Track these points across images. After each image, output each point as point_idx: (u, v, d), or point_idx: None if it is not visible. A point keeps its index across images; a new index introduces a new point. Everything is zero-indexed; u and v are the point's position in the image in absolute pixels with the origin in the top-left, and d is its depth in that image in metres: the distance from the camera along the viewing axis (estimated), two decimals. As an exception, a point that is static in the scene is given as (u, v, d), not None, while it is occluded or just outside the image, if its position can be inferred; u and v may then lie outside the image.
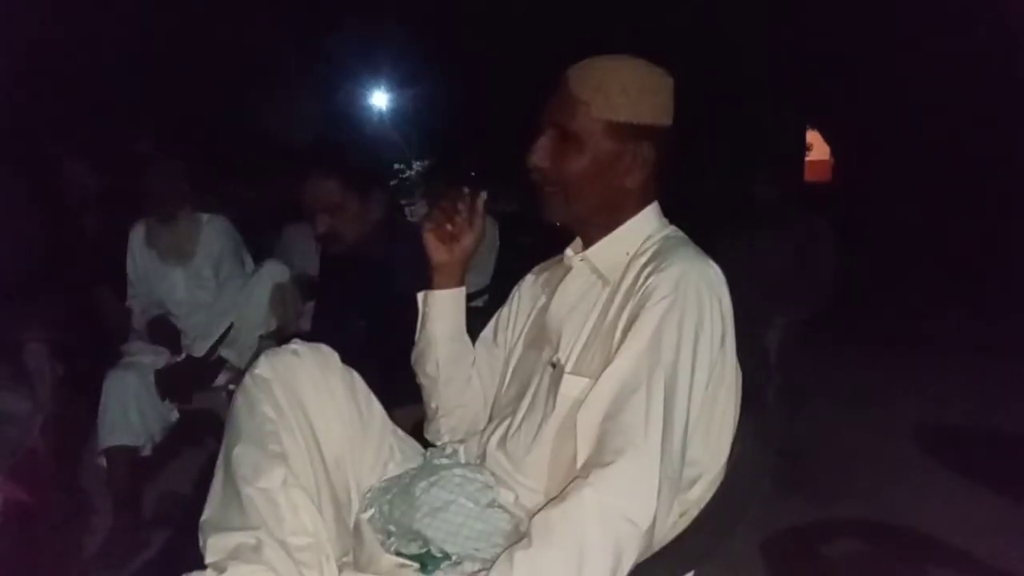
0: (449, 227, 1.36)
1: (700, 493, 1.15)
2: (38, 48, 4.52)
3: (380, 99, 8.54)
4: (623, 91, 1.17)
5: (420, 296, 1.42)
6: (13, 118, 3.70)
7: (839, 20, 6.26)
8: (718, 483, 1.16)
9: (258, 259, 2.96)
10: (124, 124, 4.52)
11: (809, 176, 10.78)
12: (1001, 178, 5.89)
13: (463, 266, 1.41)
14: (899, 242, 6.17)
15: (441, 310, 1.40)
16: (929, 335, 4.91)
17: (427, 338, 1.41)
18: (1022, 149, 5.47)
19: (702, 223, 1.47)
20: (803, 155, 10.60)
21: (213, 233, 2.88)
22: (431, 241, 1.38)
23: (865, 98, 6.93)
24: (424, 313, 1.42)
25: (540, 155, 1.22)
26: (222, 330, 2.78)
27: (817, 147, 11.35)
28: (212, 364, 2.73)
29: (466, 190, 1.39)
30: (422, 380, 1.44)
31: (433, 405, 1.44)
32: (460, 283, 1.41)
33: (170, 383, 2.65)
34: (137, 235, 2.90)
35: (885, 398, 3.82)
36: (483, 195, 1.38)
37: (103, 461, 2.53)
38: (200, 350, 2.78)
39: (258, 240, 3.34)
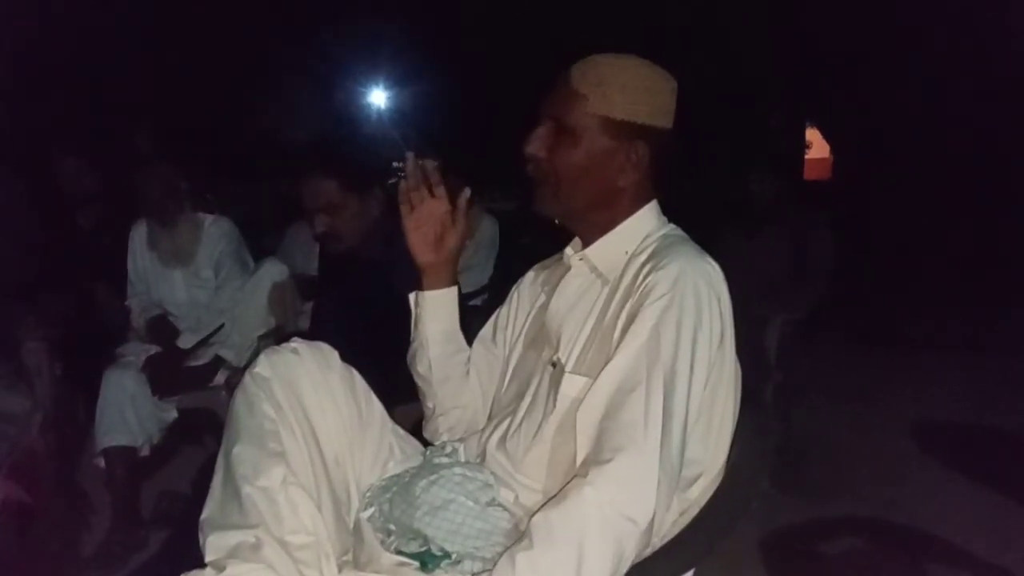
0: (411, 208, 1.36)
1: (700, 492, 1.15)
2: (36, 46, 4.51)
3: (379, 97, 8.53)
4: (622, 89, 1.17)
5: (411, 297, 1.42)
6: (10, 117, 3.70)
7: (839, 17, 6.25)
8: (718, 482, 1.16)
9: (261, 259, 2.96)
10: (123, 123, 4.52)
11: (808, 174, 10.76)
12: (1000, 177, 5.89)
13: (451, 265, 1.41)
14: (898, 240, 6.17)
15: (432, 311, 1.40)
16: (927, 333, 4.92)
17: (420, 339, 1.41)
18: (1021, 148, 5.47)
19: (700, 222, 1.47)
20: (802, 153, 10.58)
21: (215, 234, 2.87)
22: (415, 243, 1.38)
23: (865, 96, 6.92)
24: (416, 314, 1.42)
25: (536, 145, 1.22)
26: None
27: (817, 145, 11.34)
28: (210, 363, 2.73)
29: (426, 162, 1.38)
30: (417, 380, 1.44)
31: (430, 405, 1.44)
32: (451, 283, 1.41)
33: (154, 373, 2.63)
34: (138, 235, 2.90)
35: (883, 396, 3.83)
36: (466, 192, 1.38)
37: (101, 461, 2.53)
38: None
39: (261, 240, 3.34)
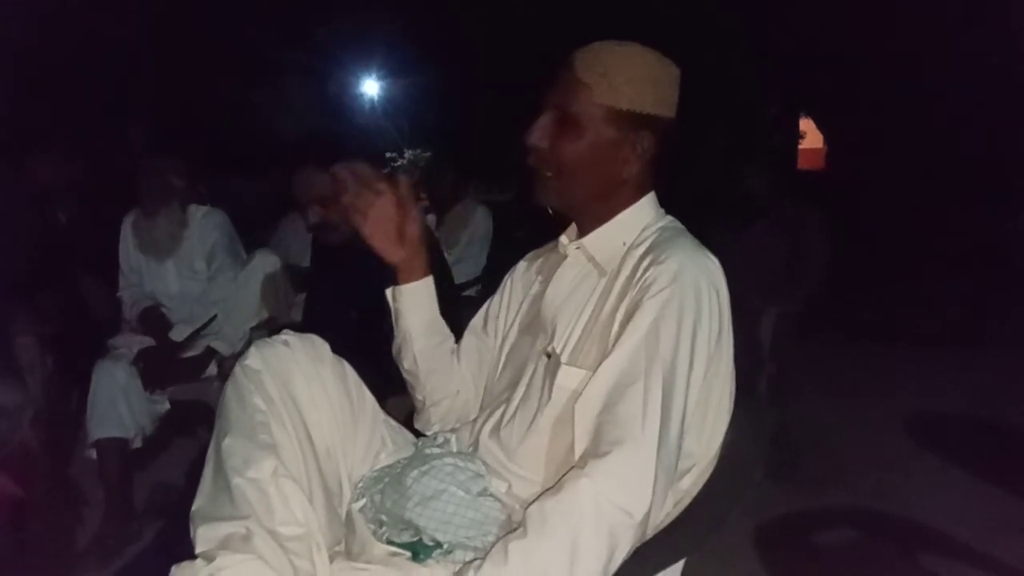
0: (364, 216, 1.33)
1: (691, 483, 1.15)
2: (35, 45, 4.48)
3: (373, 88, 8.51)
4: (628, 79, 1.15)
5: (388, 292, 1.41)
6: (8, 115, 3.68)
7: (833, 7, 6.25)
8: (709, 472, 1.16)
9: (254, 251, 2.95)
10: (119, 119, 4.50)
11: (802, 164, 10.79)
12: (997, 168, 5.90)
13: (422, 256, 1.38)
14: (892, 231, 6.17)
15: (411, 303, 1.38)
16: (923, 325, 4.92)
17: (402, 333, 1.40)
18: (1016, 138, 5.48)
19: (695, 213, 1.46)
20: (796, 143, 10.60)
21: (208, 226, 2.86)
22: (381, 245, 1.34)
23: (859, 86, 6.93)
24: (395, 309, 1.40)
25: (538, 135, 1.20)
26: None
27: (810, 135, 11.37)
28: (202, 355, 2.72)
29: (355, 165, 1.35)
30: (404, 374, 1.44)
31: (419, 397, 1.43)
32: (425, 273, 1.39)
33: (146, 366, 2.61)
34: (130, 226, 2.88)
35: (877, 388, 3.84)
36: (403, 179, 1.35)
37: (93, 453, 2.52)
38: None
39: (255, 232, 3.32)
